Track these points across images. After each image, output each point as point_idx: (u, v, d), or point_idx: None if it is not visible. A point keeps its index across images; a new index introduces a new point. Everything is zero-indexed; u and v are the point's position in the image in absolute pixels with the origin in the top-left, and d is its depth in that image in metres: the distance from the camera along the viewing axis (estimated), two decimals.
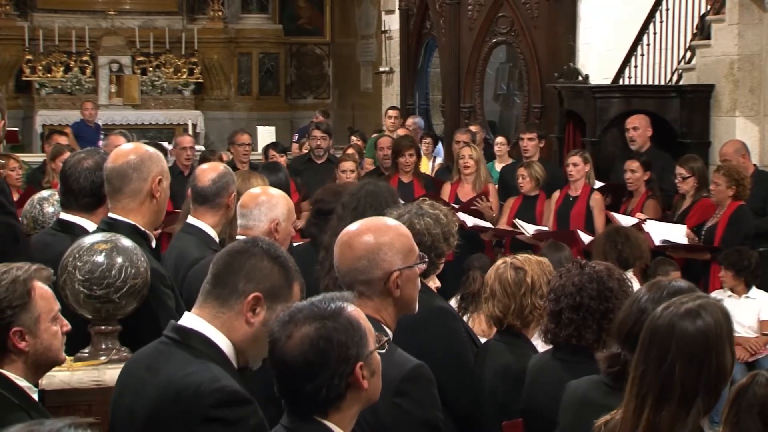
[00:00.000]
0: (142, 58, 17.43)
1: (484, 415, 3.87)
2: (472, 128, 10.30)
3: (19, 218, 4.66)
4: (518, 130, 10.32)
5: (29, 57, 16.95)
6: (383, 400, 2.60)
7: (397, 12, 13.74)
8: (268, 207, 4.18)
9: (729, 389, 2.82)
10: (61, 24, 17.20)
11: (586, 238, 7.62)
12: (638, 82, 9.71)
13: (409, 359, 2.95)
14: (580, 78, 10.29)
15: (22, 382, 2.82)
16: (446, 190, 8.81)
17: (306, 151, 10.55)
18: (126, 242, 3.55)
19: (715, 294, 6.97)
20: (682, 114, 9.03)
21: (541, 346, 3.90)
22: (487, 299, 3.97)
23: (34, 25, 17.20)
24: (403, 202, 4.36)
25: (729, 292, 7.12)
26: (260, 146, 12.66)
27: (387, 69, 14.76)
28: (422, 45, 13.12)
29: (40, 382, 2.99)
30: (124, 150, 3.80)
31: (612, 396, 2.89)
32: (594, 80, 10.18)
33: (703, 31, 9.30)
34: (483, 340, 4.36)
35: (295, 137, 13.63)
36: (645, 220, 7.64)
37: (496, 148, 9.76)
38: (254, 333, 2.63)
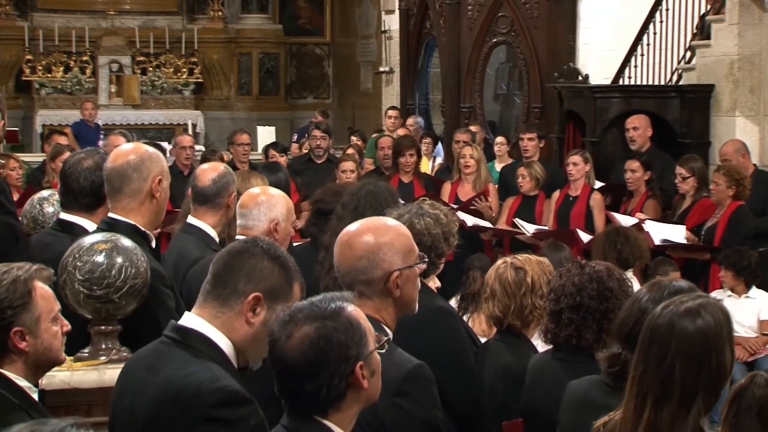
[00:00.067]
0: (142, 58, 17.43)
1: (484, 415, 3.87)
2: (472, 128, 10.30)
3: (19, 218, 4.66)
4: (518, 130, 10.32)
5: (29, 57, 16.95)
6: (383, 400, 2.60)
7: (397, 12, 13.74)
8: (267, 207, 4.18)
9: (728, 389, 2.82)
10: (61, 24, 17.20)
11: (585, 237, 7.62)
12: (638, 82, 9.71)
13: (409, 359, 2.95)
14: (580, 78, 10.29)
15: (22, 382, 2.82)
16: (446, 190, 8.81)
17: (306, 151, 10.55)
18: (126, 242, 3.55)
19: (715, 294, 6.97)
20: (682, 114, 9.03)
21: (541, 346, 3.90)
22: (487, 299, 3.97)
23: (34, 25, 17.20)
24: (403, 202, 4.36)
25: (729, 292, 7.12)
26: (260, 146, 12.67)
27: (387, 69, 14.76)
28: (422, 45, 13.12)
29: (40, 382, 2.99)
30: (124, 150, 3.79)
31: (612, 396, 2.89)
32: (594, 80, 10.18)
33: (703, 31, 9.30)
34: (483, 340, 4.36)
35: (295, 137, 13.64)
36: (644, 220, 7.64)
37: (496, 148, 9.76)
38: (254, 333, 2.63)
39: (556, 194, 8.36)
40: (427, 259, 3.19)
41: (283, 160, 9.51)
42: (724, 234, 7.30)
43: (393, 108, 12.40)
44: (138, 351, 2.82)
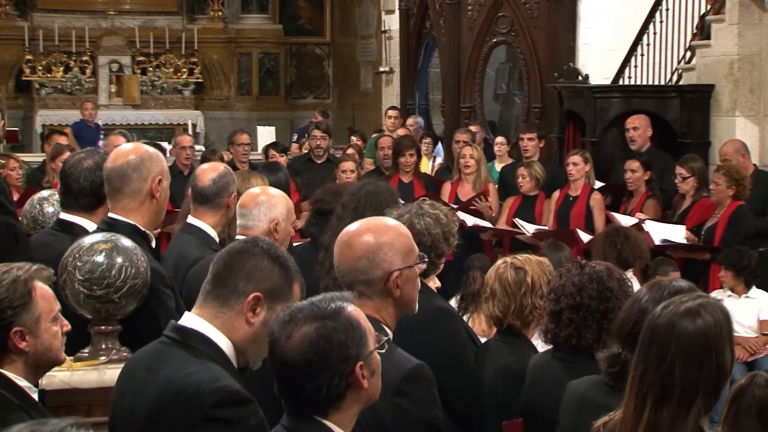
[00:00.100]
0: (142, 58, 17.43)
1: (484, 415, 3.87)
2: (472, 128, 10.30)
3: (19, 218, 4.66)
4: (518, 130, 10.32)
5: (29, 57, 16.95)
6: (383, 400, 2.60)
7: (397, 12, 13.74)
8: (267, 207, 4.18)
9: (728, 389, 2.82)
10: (61, 24, 17.20)
11: (585, 237, 7.62)
12: (638, 82, 9.71)
13: (409, 359, 2.95)
14: (580, 78, 10.29)
15: (22, 382, 2.82)
16: (446, 190, 8.81)
17: (306, 151, 10.55)
18: (126, 242, 3.55)
19: (715, 294, 6.97)
20: (682, 114, 9.03)
21: (541, 346, 3.90)
22: (487, 299, 3.97)
23: (34, 25, 17.20)
24: (403, 202, 4.36)
25: (729, 292, 7.12)
26: (260, 146, 12.67)
27: (387, 69, 14.76)
28: (422, 45, 13.12)
29: (40, 382, 2.99)
30: (124, 150, 3.79)
31: (612, 396, 2.89)
32: (594, 80, 10.18)
33: (703, 31, 9.30)
34: (483, 340, 4.36)
35: (295, 137, 13.64)
36: (644, 220, 7.64)
37: (496, 148, 9.76)
38: (254, 333, 2.63)
39: (556, 194, 8.36)
40: (427, 259, 3.19)
41: (283, 160, 9.51)
42: (724, 234, 7.31)
43: (393, 108, 12.40)
44: (138, 351, 2.82)
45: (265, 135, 13.90)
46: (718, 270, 7.23)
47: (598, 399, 3.04)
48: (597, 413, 2.73)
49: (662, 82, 9.64)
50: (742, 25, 8.63)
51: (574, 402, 3.23)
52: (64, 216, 4.12)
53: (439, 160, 11.23)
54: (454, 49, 11.66)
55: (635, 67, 9.79)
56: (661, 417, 2.42)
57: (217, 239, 4.48)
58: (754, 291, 7.14)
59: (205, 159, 9.06)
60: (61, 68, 16.99)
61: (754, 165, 8.13)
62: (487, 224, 8.34)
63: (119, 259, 3.49)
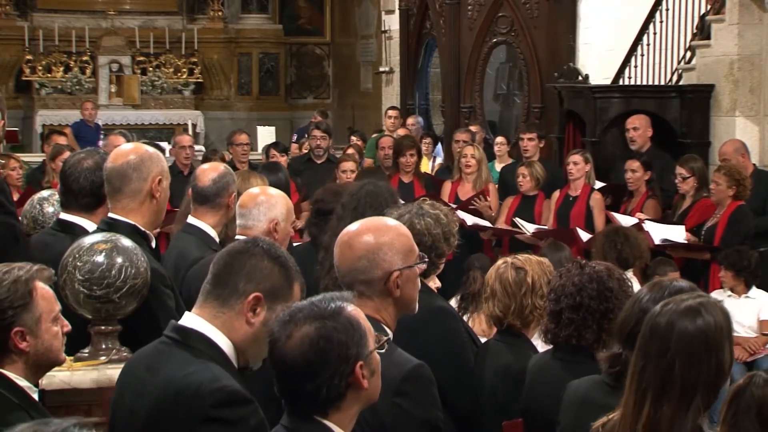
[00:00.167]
0: (142, 58, 17.43)
1: (484, 415, 3.87)
2: (472, 128, 10.30)
3: (19, 218, 4.66)
4: (518, 130, 10.31)
5: (29, 57, 16.95)
6: (383, 400, 2.60)
7: (397, 12, 13.74)
8: (267, 207, 4.18)
9: (728, 389, 2.82)
10: (61, 24, 17.20)
11: (585, 236, 7.62)
12: (638, 82, 9.71)
13: (409, 359, 2.95)
14: (580, 78, 10.29)
15: (23, 382, 2.82)
16: (446, 189, 8.82)
17: (306, 151, 10.55)
18: (126, 242, 3.55)
19: (715, 294, 6.97)
20: (682, 114, 9.03)
21: (541, 346, 3.90)
22: (487, 299, 3.97)
23: (34, 25, 17.20)
24: (403, 202, 4.36)
25: (729, 292, 7.12)
26: (260, 146, 12.67)
27: (387, 69, 14.76)
28: (422, 45, 13.12)
29: (40, 382, 2.99)
30: (124, 150, 3.80)
31: (613, 396, 2.89)
32: (594, 80, 10.18)
33: (703, 31, 9.30)
34: (483, 340, 4.36)
35: (295, 137, 13.64)
36: (644, 220, 7.64)
37: (496, 148, 9.76)
38: (254, 333, 2.63)
39: (556, 194, 8.35)
40: (427, 259, 3.19)
41: (283, 160, 9.51)
42: (724, 234, 7.31)
43: (393, 108, 12.40)
44: (138, 351, 2.82)
45: (265, 135, 13.89)
46: (718, 270, 7.23)
47: (599, 399, 3.04)
48: (597, 413, 2.74)
49: (662, 82, 9.64)
50: (742, 25, 8.63)
51: (575, 402, 3.23)
52: (64, 216, 4.12)
53: (439, 160, 11.24)
54: (454, 49, 11.66)
55: (635, 67, 9.79)
56: (661, 412, 2.42)
57: (218, 239, 4.48)
58: (754, 291, 7.14)
59: (206, 159, 9.06)
60: (61, 68, 16.99)
61: (754, 165, 8.13)
62: (488, 223, 8.34)
63: (119, 259, 3.49)
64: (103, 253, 3.50)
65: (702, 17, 9.38)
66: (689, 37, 9.49)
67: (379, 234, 3.00)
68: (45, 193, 5.20)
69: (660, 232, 7.44)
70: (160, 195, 3.72)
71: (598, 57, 10.61)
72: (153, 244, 3.84)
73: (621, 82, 9.88)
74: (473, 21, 11.46)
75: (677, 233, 7.47)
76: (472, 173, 8.67)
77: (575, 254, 6.71)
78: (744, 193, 7.36)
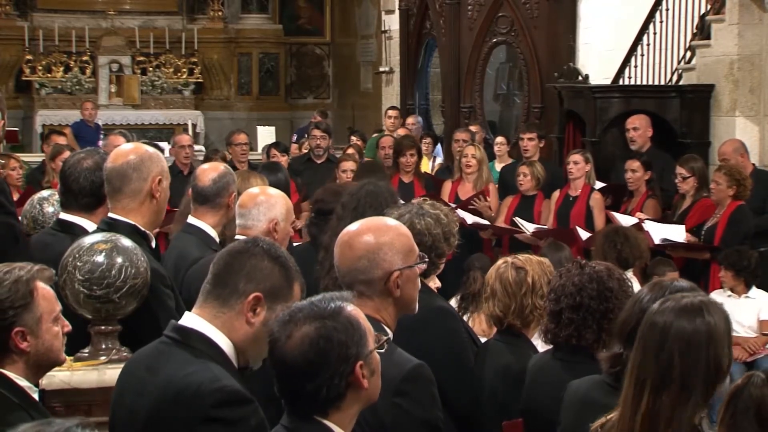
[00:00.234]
0: (142, 58, 17.43)
1: (484, 415, 3.87)
2: (472, 128, 10.30)
3: (19, 218, 4.66)
4: (518, 130, 10.31)
5: (29, 57, 16.95)
6: (383, 399, 2.60)
7: (397, 12, 13.73)
8: (266, 207, 4.18)
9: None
10: (61, 24, 17.20)
11: (584, 235, 7.62)
12: (638, 82, 9.71)
13: (409, 359, 2.95)
14: (580, 78, 10.29)
15: (23, 382, 2.83)
16: (447, 189, 8.82)
17: (305, 151, 10.55)
18: (126, 242, 3.55)
19: (715, 294, 6.99)
20: (682, 114, 9.03)
21: (541, 346, 3.90)
22: (487, 299, 3.97)
23: (34, 25, 17.20)
24: (402, 201, 4.36)
25: (729, 292, 7.12)
26: (260, 146, 12.66)
27: (387, 69, 14.76)
28: (422, 45, 13.12)
29: (40, 382, 2.99)
30: (124, 150, 3.80)
31: (613, 396, 2.88)
32: (594, 80, 10.18)
33: (703, 31, 9.30)
34: (483, 340, 4.36)
35: (294, 137, 13.64)
36: (644, 219, 7.64)
37: (496, 148, 9.76)
38: (254, 333, 2.63)
39: (556, 194, 8.35)
40: (427, 259, 3.19)
41: (284, 160, 9.51)
42: (724, 234, 7.31)
43: (393, 108, 12.40)
44: (138, 351, 2.82)
45: (265, 135, 13.89)
46: (718, 270, 7.23)
47: (600, 399, 3.04)
48: (598, 413, 2.74)
49: (662, 82, 9.64)
50: (742, 25, 8.63)
51: (575, 402, 3.23)
52: (64, 216, 4.12)
53: (439, 160, 11.24)
54: (454, 49, 11.66)
55: (635, 67, 9.79)
56: (660, 403, 2.42)
57: (218, 239, 4.48)
58: (754, 291, 7.14)
59: (207, 159, 9.05)
60: (61, 68, 16.99)
61: (753, 164, 8.13)
62: (488, 222, 8.33)
63: (119, 259, 3.49)
64: (103, 253, 3.50)
65: (702, 17, 9.38)
66: (689, 37, 9.49)
67: (379, 234, 3.00)
68: (45, 193, 5.20)
69: (660, 232, 7.44)
70: (160, 195, 3.72)
71: (598, 57, 10.61)
72: (153, 244, 3.84)
73: (621, 82, 9.87)
74: (473, 21, 11.46)
75: (677, 233, 7.47)
76: (472, 173, 8.67)
77: (575, 254, 6.71)
78: (744, 193, 7.36)
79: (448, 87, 11.97)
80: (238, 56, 18.59)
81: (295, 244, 5.44)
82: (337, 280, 3.07)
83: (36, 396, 2.88)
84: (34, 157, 11.81)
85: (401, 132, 10.62)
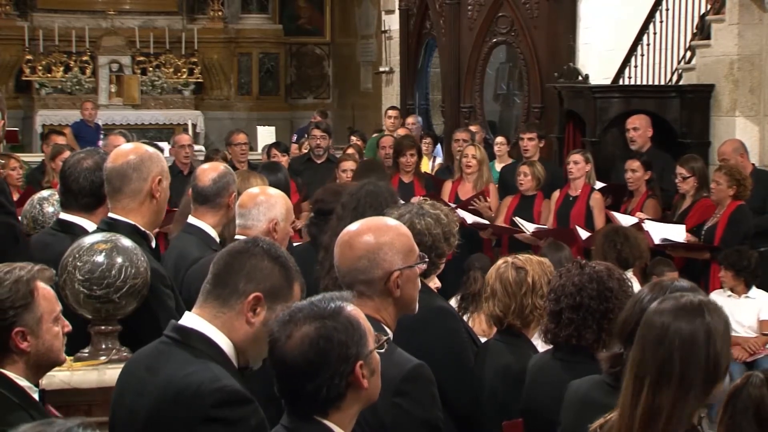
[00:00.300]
0: (142, 58, 17.43)
1: (484, 415, 3.87)
2: (472, 128, 10.30)
3: (19, 218, 4.66)
4: (518, 130, 10.31)
5: (29, 57, 16.95)
6: (383, 399, 2.60)
7: (397, 12, 13.74)
8: (266, 207, 4.18)
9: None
10: (61, 24, 17.20)
11: (584, 234, 7.62)
12: (638, 82, 9.71)
13: (409, 359, 2.95)
14: (580, 78, 10.29)
15: (23, 382, 2.83)
16: (447, 189, 8.82)
17: (305, 151, 10.55)
18: (126, 242, 3.55)
19: (715, 294, 6.99)
20: (682, 114, 9.03)
21: (541, 346, 3.90)
22: (487, 298, 3.97)
23: (34, 25, 17.20)
24: (402, 201, 4.36)
25: (729, 292, 7.12)
26: (260, 146, 12.66)
27: (387, 69, 14.76)
28: (422, 45, 13.12)
29: (40, 382, 2.99)
30: (124, 150, 3.80)
31: (614, 396, 2.88)
32: (594, 80, 10.18)
33: (703, 31, 9.30)
34: (483, 340, 4.36)
35: (294, 137, 13.64)
36: (644, 219, 7.64)
37: (496, 148, 9.76)
38: (255, 333, 2.63)
39: (556, 194, 8.35)
40: (427, 259, 3.19)
41: (285, 160, 9.50)
42: (724, 234, 7.31)
43: (393, 108, 12.40)
44: (138, 351, 2.82)
45: (265, 135, 13.89)
46: (718, 270, 7.23)
47: (600, 399, 3.04)
48: (598, 413, 2.74)
49: (662, 82, 9.64)
50: (742, 25, 8.64)
51: (576, 402, 3.23)
52: (64, 216, 4.12)
53: (439, 160, 11.24)
54: (454, 49, 11.66)
55: (635, 67, 9.79)
56: (659, 398, 2.42)
57: (218, 239, 4.48)
58: (754, 291, 7.14)
59: (208, 159, 9.05)
60: (61, 68, 16.99)
61: (753, 164, 8.13)
62: (488, 222, 8.33)
63: (119, 259, 3.49)
64: (103, 253, 3.50)
65: (702, 17, 9.38)
66: (689, 37, 9.49)
67: (379, 234, 3.00)
68: (45, 193, 5.20)
69: (660, 232, 7.44)
70: (160, 195, 3.73)
71: (598, 57, 10.61)
72: (153, 244, 3.84)
73: (621, 82, 9.88)
74: (473, 21, 11.46)
75: (677, 233, 7.47)
76: (472, 173, 8.67)
77: (575, 254, 6.71)
78: (744, 193, 7.36)
79: (448, 87, 11.97)
80: (238, 56, 18.59)
81: (295, 244, 5.44)
82: (337, 280, 3.07)
83: (36, 396, 2.88)
84: (34, 157, 11.80)
85: (401, 132, 10.62)
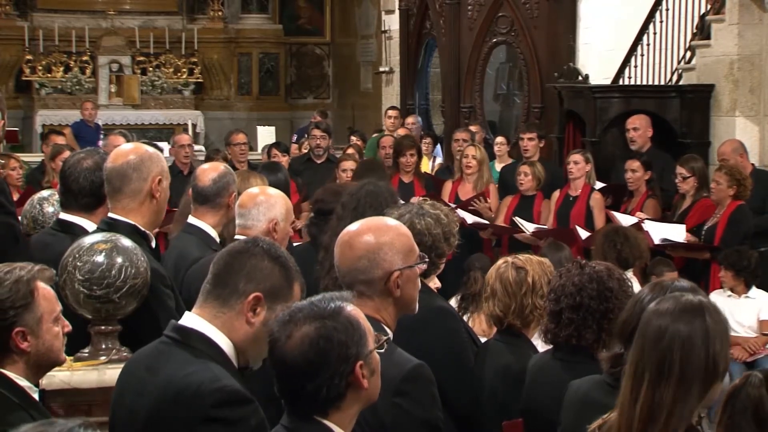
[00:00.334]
0: (142, 58, 17.43)
1: (484, 415, 3.87)
2: (472, 128, 10.30)
3: (19, 218, 4.66)
4: (518, 130, 10.31)
5: (29, 57, 16.95)
6: (383, 399, 2.60)
7: (397, 12, 13.74)
8: (266, 207, 4.18)
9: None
10: (61, 24, 17.20)
11: (583, 233, 7.62)
12: (638, 82, 9.71)
13: (409, 359, 2.95)
14: (580, 78, 10.29)
15: (23, 382, 2.83)
16: (447, 189, 8.82)
17: (305, 151, 10.55)
18: (126, 242, 3.55)
19: (715, 294, 6.99)
20: (682, 114, 9.03)
21: (541, 346, 3.90)
22: (487, 298, 3.97)
23: (34, 25, 17.20)
24: (402, 201, 4.36)
25: (729, 292, 7.12)
26: (260, 146, 12.65)
27: (387, 69, 14.76)
28: (422, 45, 13.12)
29: (40, 382, 2.99)
30: (124, 150, 3.80)
31: (614, 396, 2.88)
32: (594, 80, 10.18)
33: (703, 31, 9.30)
34: (483, 340, 4.36)
35: (294, 138, 13.64)
36: (644, 219, 7.64)
37: (496, 148, 9.76)
38: (255, 333, 2.63)
39: (556, 194, 8.35)
40: (427, 259, 3.19)
41: (285, 160, 9.50)
42: (724, 234, 7.31)
43: (393, 108, 12.40)
44: (138, 351, 2.82)
45: (265, 135, 13.89)
46: (718, 270, 7.23)
47: (600, 399, 3.04)
48: (598, 413, 2.73)
49: (662, 82, 9.64)
50: (742, 25, 8.64)
51: (576, 402, 3.23)
52: (64, 216, 4.12)
53: (439, 160, 11.24)
54: (454, 49, 11.66)
55: (635, 67, 9.79)
56: (659, 395, 2.43)
57: (218, 239, 4.48)
58: (754, 291, 7.14)
59: (208, 159, 9.05)
60: (61, 68, 16.99)
61: (752, 164, 8.13)
62: (488, 222, 8.33)
63: (119, 259, 3.49)
64: (103, 253, 3.50)
65: (702, 17, 9.38)
66: (689, 37, 9.49)
67: (379, 234, 3.00)
68: (45, 193, 5.20)
69: (660, 232, 7.44)
70: (160, 195, 3.73)
71: (598, 57, 10.61)
72: (153, 244, 3.84)
73: (621, 82, 9.88)
74: (473, 21, 11.46)
75: (677, 233, 7.47)
76: (472, 173, 8.67)
77: (575, 254, 6.71)
78: (744, 193, 7.36)
79: (448, 87, 11.97)
80: (238, 56, 18.59)
81: (295, 244, 5.44)
82: (337, 280, 3.07)
83: (36, 396, 2.88)
84: (34, 157, 11.80)
85: (401, 132, 10.62)
